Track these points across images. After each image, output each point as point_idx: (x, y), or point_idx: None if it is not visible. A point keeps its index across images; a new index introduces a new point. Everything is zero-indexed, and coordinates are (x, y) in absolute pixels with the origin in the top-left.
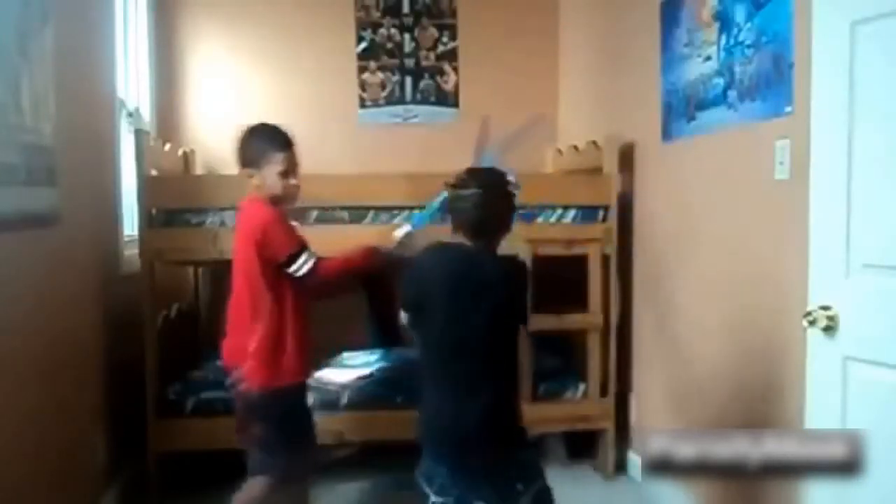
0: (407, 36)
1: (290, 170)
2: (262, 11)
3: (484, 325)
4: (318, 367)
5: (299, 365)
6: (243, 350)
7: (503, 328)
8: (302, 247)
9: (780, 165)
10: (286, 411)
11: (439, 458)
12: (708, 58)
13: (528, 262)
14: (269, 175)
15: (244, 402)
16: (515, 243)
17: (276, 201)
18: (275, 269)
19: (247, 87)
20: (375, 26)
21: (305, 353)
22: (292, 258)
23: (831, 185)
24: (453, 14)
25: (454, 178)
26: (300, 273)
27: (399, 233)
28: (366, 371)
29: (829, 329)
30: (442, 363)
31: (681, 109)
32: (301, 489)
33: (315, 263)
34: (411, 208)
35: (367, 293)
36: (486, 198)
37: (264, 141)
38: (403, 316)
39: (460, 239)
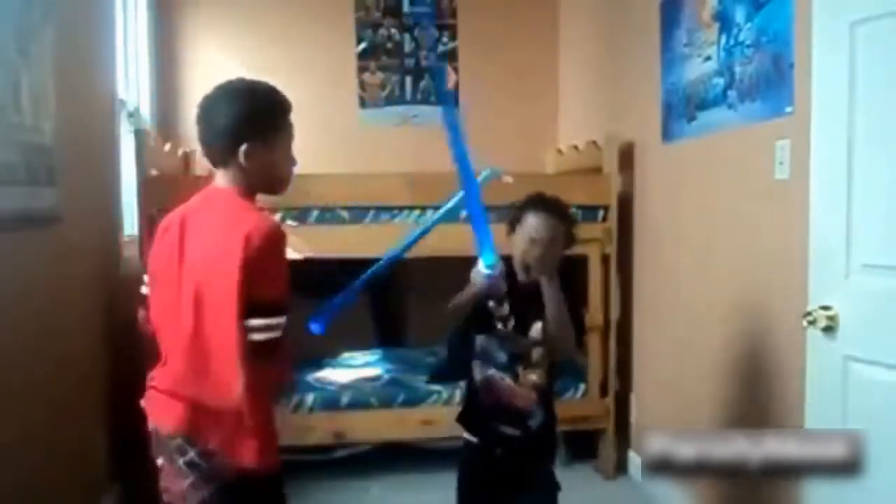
0: (407, 36)
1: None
2: (262, 11)
3: None
4: (320, 366)
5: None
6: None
7: None
8: (285, 302)
9: (780, 165)
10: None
11: None
12: (708, 58)
13: None
14: (279, 150)
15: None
16: None
17: (259, 192)
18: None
19: None
20: (375, 26)
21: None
22: (270, 309)
23: (831, 185)
24: (453, 14)
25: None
26: (257, 337)
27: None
28: (372, 372)
29: (829, 329)
30: None
31: (681, 109)
32: None
33: (279, 340)
34: (411, 208)
35: (369, 293)
36: None
37: (278, 101)
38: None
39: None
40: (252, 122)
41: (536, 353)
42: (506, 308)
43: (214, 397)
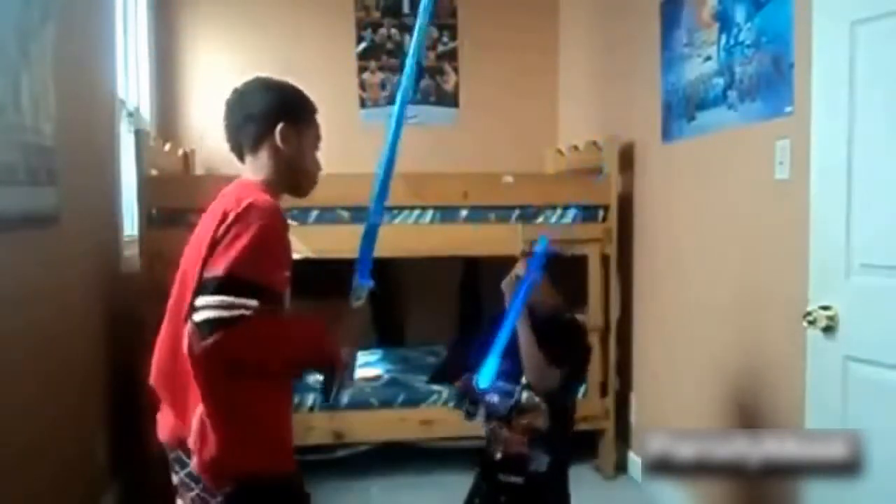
0: (407, 36)
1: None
2: (262, 11)
3: None
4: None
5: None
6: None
7: None
8: (249, 281)
9: (780, 165)
10: None
11: None
12: (708, 58)
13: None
14: (309, 143)
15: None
16: (516, 244)
17: (284, 188)
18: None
19: None
20: (375, 26)
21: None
22: (215, 285)
23: (831, 185)
24: (453, 14)
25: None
26: (198, 318)
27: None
28: (373, 372)
29: (829, 329)
30: None
31: (681, 109)
32: None
33: (230, 324)
34: (411, 208)
35: (370, 293)
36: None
37: (308, 99)
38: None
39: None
40: (287, 108)
41: (526, 397)
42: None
43: (180, 399)
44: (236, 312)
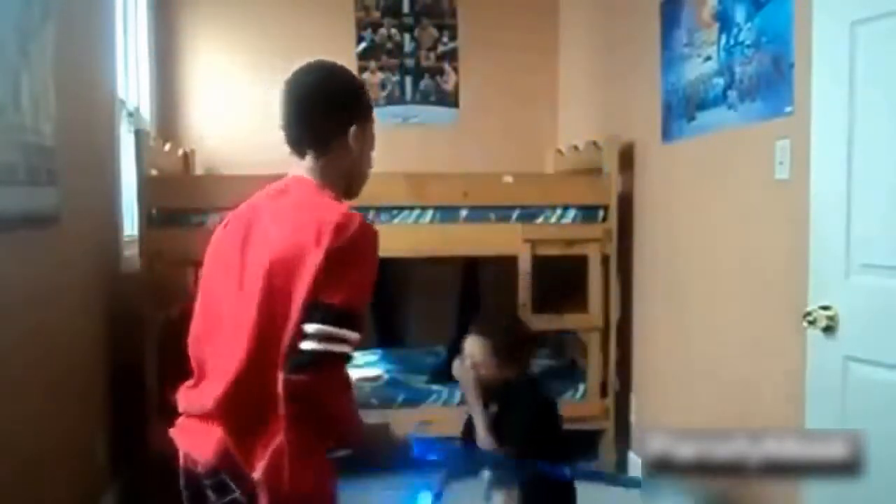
0: (407, 36)
1: None
2: (262, 11)
3: None
4: None
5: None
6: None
7: None
8: (359, 316)
9: (780, 165)
10: None
11: None
12: (708, 58)
13: (528, 263)
14: (370, 142)
15: None
16: (516, 244)
17: (340, 192)
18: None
19: (247, 87)
20: (375, 26)
21: None
22: (337, 317)
23: (831, 185)
24: (453, 14)
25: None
26: (307, 347)
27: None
28: (374, 372)
29: (829, 329)
30: None
31: (681, 109)
32: None
33: (336, 360)
34: (411, 208)
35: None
36: None
37: (366, 88)
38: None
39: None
40: (359, 104)
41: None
42: None
43: (254, 423)
44: (337, 349)
